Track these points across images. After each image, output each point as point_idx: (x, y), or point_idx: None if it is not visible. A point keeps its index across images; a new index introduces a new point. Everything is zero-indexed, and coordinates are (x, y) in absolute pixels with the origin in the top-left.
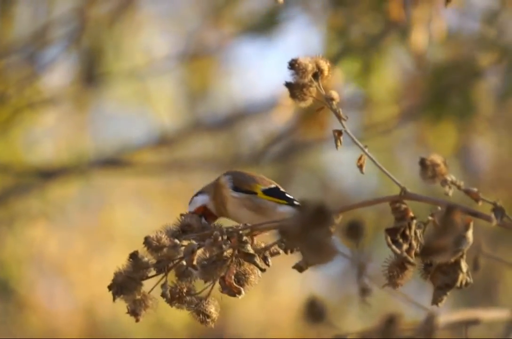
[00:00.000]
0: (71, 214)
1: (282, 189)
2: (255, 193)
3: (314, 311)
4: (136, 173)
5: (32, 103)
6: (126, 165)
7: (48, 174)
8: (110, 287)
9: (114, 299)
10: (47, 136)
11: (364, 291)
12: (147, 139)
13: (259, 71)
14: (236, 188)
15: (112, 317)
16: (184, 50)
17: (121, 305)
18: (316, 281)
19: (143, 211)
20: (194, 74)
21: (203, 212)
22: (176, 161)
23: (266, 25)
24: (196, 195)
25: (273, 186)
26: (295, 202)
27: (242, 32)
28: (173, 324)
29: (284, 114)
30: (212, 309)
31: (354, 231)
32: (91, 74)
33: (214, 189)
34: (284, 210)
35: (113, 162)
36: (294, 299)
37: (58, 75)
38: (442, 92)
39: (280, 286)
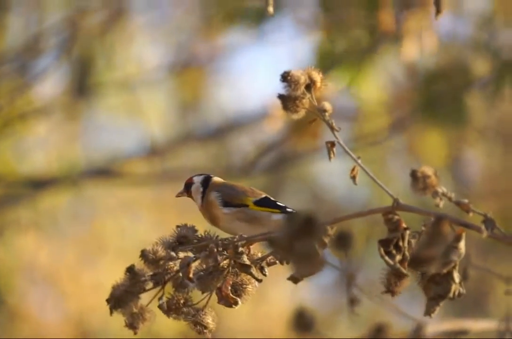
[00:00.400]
0: (62, 224)
1: (272, 199)
2: (247, 206)
3: (302, 321)
4: (126, 183)
5: (23, 113)
6: (116, 175)
7: (39, 184)
8: (108, 301)
9: (111, 313)
10: (38, 146)
11: (353, 302)
12: (138, 149)
13: (250, 82)
14: (226, 204)
15: (103, 327)
16: (175, 60)
17: (112, 316)
18: (306, 291)
19: (134, 222)
20: (185, 85)
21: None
22: (166, 172)
23: (255, 20)
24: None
25: (263, 196)
26: (288, 210)
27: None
28: (163, 333)
29: (275, 125)
30: (209, 319)
31: (343, 241)
32: (82, 84)
33: (204, 207)
34: (278, 218)
35: (103, 173)
36: (284, 309)
37: (50, 85)
38: (433, 103)
39: (270, 296)
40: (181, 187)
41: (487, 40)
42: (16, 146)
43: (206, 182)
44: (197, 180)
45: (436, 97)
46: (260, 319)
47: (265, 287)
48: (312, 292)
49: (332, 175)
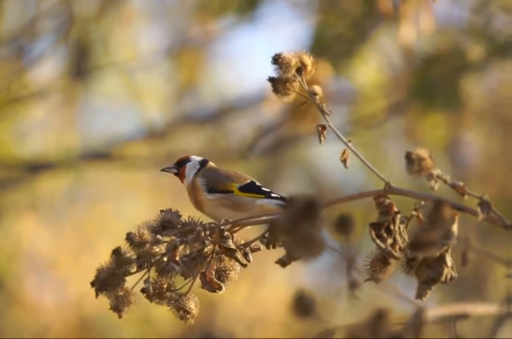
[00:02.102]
0: (60, 208)
1: (258, 183)
2: (232, 192)
3: (302, 305)
4: (124, 166)
5: (20, 97)
6: (114, 158)
7: (36, 168)
8: (93, 284)
9: (97, 295)
10: (36, 130)
11: (353, 285)
12: (136, 132)
13: (247, 65)
14: (211, 190)
15: (102, 312)
16: (172, 44)
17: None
18: (304, 276)
19: (132, 205)
20: (183, 68)
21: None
22: (164, 155)
23: (251, 2)
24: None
25: (248, 181)
26: (273, 194)
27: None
28: (160, 321)
29: (273, 108)
30: (192, 305)
31: (343, 225)
32: (80, 68)
33: (189, 191)
34: (263, 202)
35: (101, 156)
36: (283, 294)
37: (47, 68)
38: (430, 85)
39: (269, 281)
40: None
41: (483, 24)
42: (14, 129)
43: (203, 164)
44: (196, 159)
45: (433, 80)
46: (258, 304)
47: (262, 272)
48: (310, 277)
49: (330, 159)
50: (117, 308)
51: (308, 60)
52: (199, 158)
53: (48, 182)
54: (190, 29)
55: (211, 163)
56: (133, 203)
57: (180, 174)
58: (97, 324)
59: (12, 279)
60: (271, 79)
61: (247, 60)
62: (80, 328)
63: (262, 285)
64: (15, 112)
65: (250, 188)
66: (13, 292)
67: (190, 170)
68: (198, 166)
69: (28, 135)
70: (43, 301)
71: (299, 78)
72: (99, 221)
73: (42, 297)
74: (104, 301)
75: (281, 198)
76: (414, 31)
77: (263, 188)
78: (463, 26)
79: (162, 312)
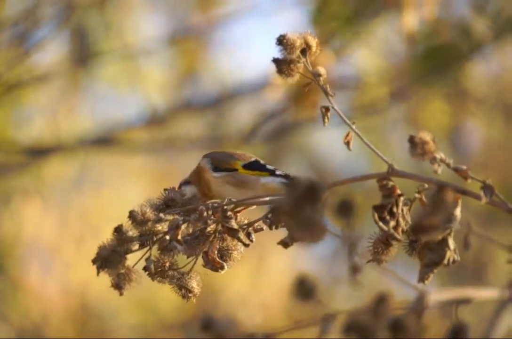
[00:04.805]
0: (64, 193)
1: (262, 162)
2: (236, 170)
3: (304, 288)
4: (126, 151)
5: (23, 82)
6: (116, 143)
7: (39, 153)
8: (94, 261)
9: (98, 272)
10: (38, 115)
11: (355, 269)
12: (137, 118)
13: (250, 51)
14: (216, 168)
15: (104, 299)
16: (173, 30)
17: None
18: (306, 261)
19: (135, 191)
20: (184, 54)
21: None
22: (166, 140)
23: None
24: (183, 184)
25: (252, 159)
26: (277, 172)
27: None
28: (163, 308)
29: (276, 93)
30: (194, 284)
31: (344, 209)
32: (82, 54)
33: (196, 174)
34: (267, 181)
35: (103, 141)
36: (285, 279)
37: (49, 54)
38: (432, 72)
39: (271, 266)
40: (180, 157)
41: (486, 9)
42: (15, 114)
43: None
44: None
45: (435, 66)
46: (260, 290)
47: (264, 257)
48: (312, 262)
49: (332, 145)
50: (118, 285)
51: (313, 41)
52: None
53: (51, 168)
54: (192, 16)
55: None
56: (135, 188)
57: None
58: (99, 311)
59: (15, 265)
60: (275, 60)
61: (248, 47)
62: (82, 314)
63: (264, 271)
64: (17, 97)
65: (254, 166)
66: (15, 278)
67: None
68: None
69: (30, 120)
70: (46, 287)
71: (303, 59)
72: (102, 206)
73: (45, 283)
74: (106, 288)
75: (285, 176)
76: (417, 16)
77: (268, 166)
78: (466, 10)
79: (165, 299)
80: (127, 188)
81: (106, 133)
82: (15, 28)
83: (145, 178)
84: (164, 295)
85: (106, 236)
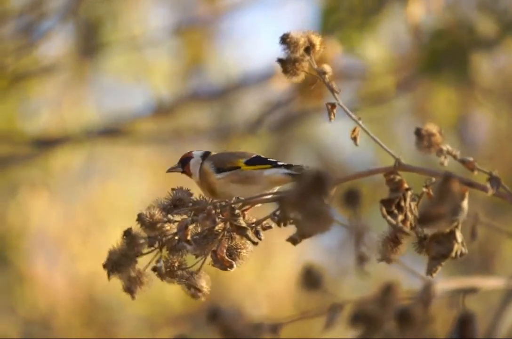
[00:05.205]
0: (71, 185)
1: (263, 157)
2: (239, 167)
3: (311, 278)
4: (133, 142)
5: (29, 73)
6: (123, 134)
7: (46, 144)
8: (105, 266)
9: (109, 277)
10: (44, 106)
11: (362, 260)
12: (144, 109)
13: (255, 42)
14: (219, 170)
15: (111, 291)
16: (180, 20)
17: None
18: (313, 254)
19: (141, 182)
20: (190, 45)
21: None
22: (173, 131)
23: None
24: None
25: (254, 155)
26: (279, 163)
27: None
28: (170, 300)
29: (282, 84)
30: (203, 283)
31: (351, 199)
32: (88, 45)
33: (200, 175)
34: (270, 173)
35: (110, 132)
36: (292, 270)
37: (56, 45)
38: (439, 63)
39: (277, 259)
40: (187, 148)
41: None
42: (22, 106)
43: (205, 156)
44: (198, 154)
45: (442, 57)
46: (267, 282)
47: (271, 250)
48: (318, 255)
49: (339, 137)
50: (129, 289)
51: (317, 39)
52: (200, 152)
53: (58, 159)
54: (197, 6)
55: (214, 152)
56: (141, 179)
57: (186, 172)
58: (106, 302)
59: (22, 256)
60: (280, 60)
61: (253, 37)
62: (90, 305)
63: (271, 263)
64: (23, 89)
65: (256, 160)
66: (22, 270)
67: (194, 166)
68: (201, 161)
69: (37, 112)
70: (53, 278)
71: (307, 58)
72: (109, 197)
73: (52, 274)
74: (113, 280)
75: (288, 166)
76: (423, 7)
77: (269, 159)
78: (472, 2)
79: (172, 291)
80: (134, 179)
81: (113, 124)
82: (22, 19)
83: (151, 169)
84: (172, 286)
85: (113, 227)
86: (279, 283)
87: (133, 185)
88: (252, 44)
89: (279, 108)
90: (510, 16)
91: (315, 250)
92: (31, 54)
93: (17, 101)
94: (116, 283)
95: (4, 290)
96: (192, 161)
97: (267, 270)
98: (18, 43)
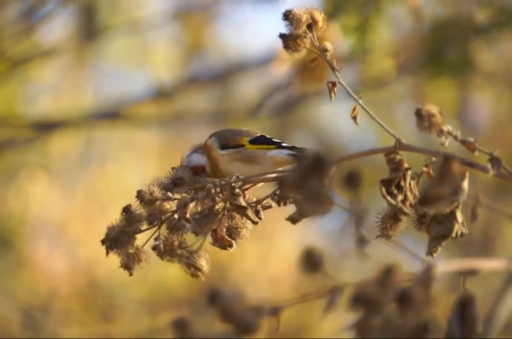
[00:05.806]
0: (71, 169)
1: (268, 136)
2: (243, 146)
3: (311, 260)
4: (133, 126)
5: (29, 57)
6: (123, 118)
7: (45, 127)
8: (103, 242)
9: (107, 253)
10: (44, 90)
11: (362, 242)
12: (144, 93)
13: (256, 25)
14: (223, 146)
15: (112, 276)
16: (180, 4)
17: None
18: (314, 237)
19: (142, 166)
20: (191, 29)
21: (201, 171)
22: (173, 115)
23: None
24: (195, 151)
25: (258, 134)
26: (283, 144)
27: None
28: (170, 284)
29: (282, 67)
30: (203, 262)
31: (351, 181)
32: (89, 29)
33: (206, 152)
34: (274, 153)
35: (110, 116)
36: (292, 253)
37: (56, 29)
38: (440, 48)
39: (278, 243)
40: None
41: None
42: (22, 90)
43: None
44: (186, 154)
45: (443, 41)
46: (268, 265)
47: (272, 233)
48: (319, 238)
49: (339, 119)
50: (127, 265)
51: (319, 16)
52: (187, 153)
53: (57, 143)
54: None
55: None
56: (142, 163)
57: (199, 169)
58: (107, 286)
59: (22, 242)
60: (281, 36)
61: (254, 20)
62: (90, 291)
63: (271, 247)
64: (23, 73)
65: (261, 140)
66: (23, 255)
67: (194, 157)
68: (193, 149)
69: (37, 96)
70: (53, 264)
71: (310, 34)
72: (109, 182)
73: (52, 260)
74: (114, 264)
75: (292, 148)
76: None
77: (274, 139)
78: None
79: (172, 275)
80: (134, 163)
81: (113, 108)
82: (21, 3)
83: (151, 153)
84: (172, 270)
85: (113, 212)
86: (280, 266)
87: (134, 169)
88: (252, 27)
89: (280, 91)
90: (508, 14)
91: (315, 234)
92: (31, 38)
93: (17, 85)
94: (116, 268)
95: (5, 275)
96: (191, 159)
97: (268, 253)
98: (18, 27)
